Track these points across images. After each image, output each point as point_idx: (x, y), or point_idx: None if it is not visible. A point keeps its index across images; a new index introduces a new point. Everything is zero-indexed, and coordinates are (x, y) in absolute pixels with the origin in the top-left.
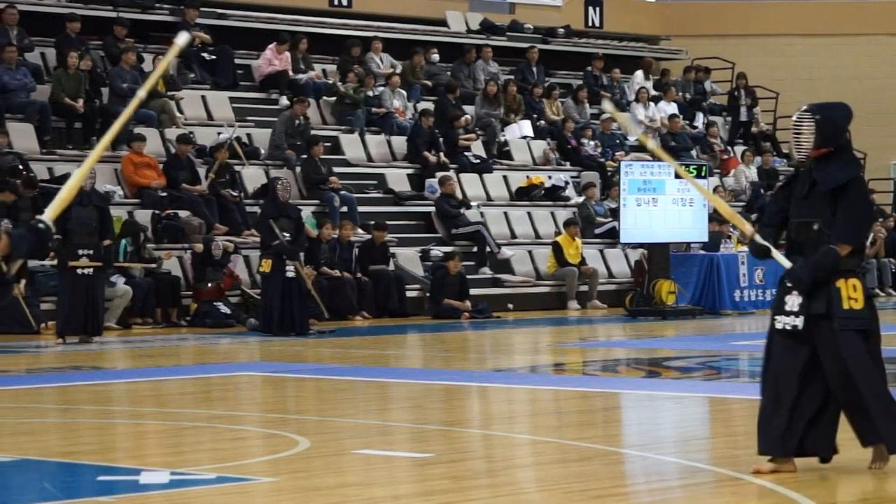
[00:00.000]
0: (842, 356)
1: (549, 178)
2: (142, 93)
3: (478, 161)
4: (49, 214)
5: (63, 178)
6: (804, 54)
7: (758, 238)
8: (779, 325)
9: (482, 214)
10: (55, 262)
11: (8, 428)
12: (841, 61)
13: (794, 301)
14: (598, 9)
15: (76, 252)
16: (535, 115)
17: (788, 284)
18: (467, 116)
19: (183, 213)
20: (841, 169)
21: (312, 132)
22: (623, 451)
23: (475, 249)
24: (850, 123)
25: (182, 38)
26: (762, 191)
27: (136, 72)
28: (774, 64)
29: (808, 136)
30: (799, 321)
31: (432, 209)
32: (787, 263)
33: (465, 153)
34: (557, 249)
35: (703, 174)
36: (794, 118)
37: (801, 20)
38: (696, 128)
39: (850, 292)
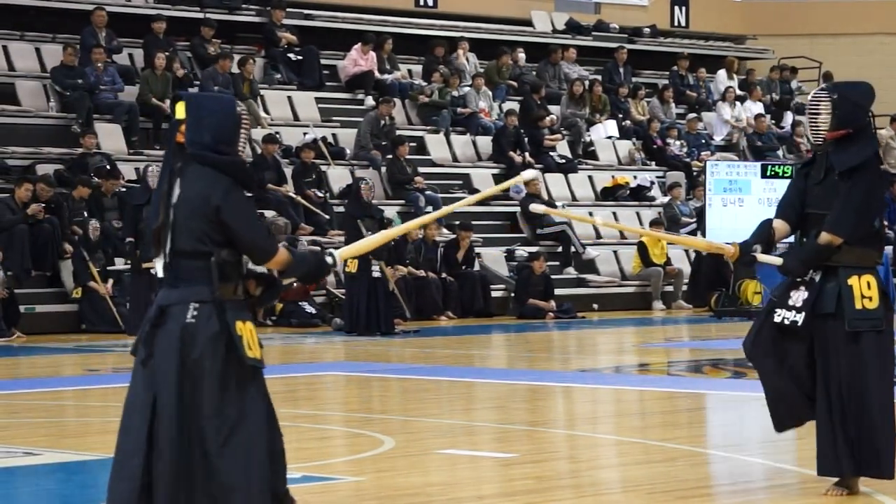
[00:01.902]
0: (852, 361)
1: (635, 178)
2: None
3: (563, 161)
4: (341, 252)
5: None
6: (894, 53)
7: (741, 254)
8: (777, 319)
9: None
10: (129, 263)
11: (96, 426)
12: None
13: (799, 296)
14: (684, 8)
15: (149, 253)
16: (620, 115)
17: (797, 279)
18: (552, 117)
19: (269, 213)
20: (858, 151)
21: (398, 132)
22: (708, 452)
23: (560, 249)
24: (871, 103)
25: (528, 174)
26: None
27: (228, 75)
28: (862, 63)
29: (825, 118)
30: (800, 317)
31: (517, 209)
32: (776, 261)
33: (551, 153)
34: (643, 249)
35: (789, 174)
36: (809, 98)
37: (891, 18)
38: (783, 128)
39: (864, 290)
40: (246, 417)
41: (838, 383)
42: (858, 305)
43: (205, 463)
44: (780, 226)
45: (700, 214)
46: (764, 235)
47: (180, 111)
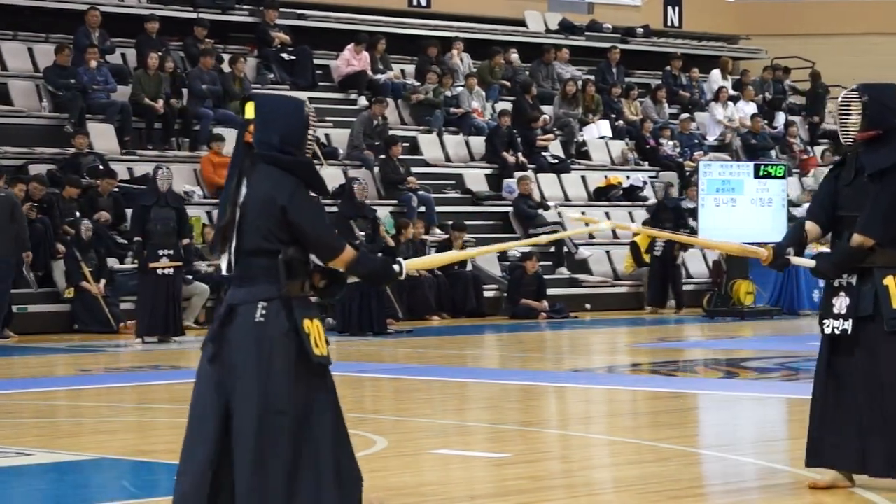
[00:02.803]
0: (883, 364)
1: (628, 177)
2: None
3: (556, 161)
4: (410, 263)
5: (143, 179)
6: (888, 53)
7: (775, 257)
8: (827, 330)
9: (560, 214)
10: (136, 263)
11: (88, 427)
12: None
13: (841, 302)
14: (677, 8)
15: (157, 253)
16: (613, 115)
17: (835, 284)
18: (545, 117)
19: None
20: (889, 153)
21: (391, 132)
22: (700, 452)
23: (553, 249)
24: None
25: (601, 225)
26: None
27: (215, 72)
28: (855, 63)
29: (855, 119)
30: (848, 324)
31: (510, 209)
32: (809, 263)
33: (543, 153)
34: (635, 249)
35: (782, 174)
36: (839, 99)
37: (884, 19)
38: (775, 128)
39: None
40: (314, 413)
41: (880, 384)
42: (895, 304)
43: (276, 459)
44: (811, 228)
45: (693, 214)
46: (796, 238)
47: (249, 111)
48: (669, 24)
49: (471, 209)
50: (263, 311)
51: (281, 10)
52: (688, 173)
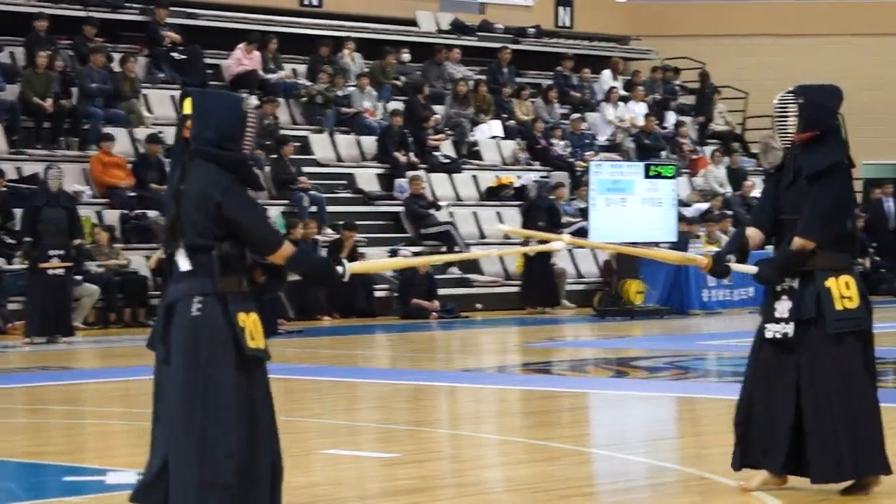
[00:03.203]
0: (838, 363)
1: (519, 177)
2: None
3: (447, 161)
4: (353, 266)
5: (31, 178)
6: (776, 54)
7: (714, 264)
8: (768, 335)
9: (451, 214)
10: (25, 263)
11: None
12: (814, 61)
13: (783, 307)
14: (568, 9)
15: (47, 253)
16: (504, 115)
17: (777, 288)
18: (437, 117)
19: (152, 213)
20: (826, 154)
21: (282, 132)
22: (591, 451)
23: (444, 249)
24: (839, 105)
25: (557, 245)
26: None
27: (105, 71)
28: (743, 63)
29: (792, 121)
30: (790, 328)
31: (401, 209)
32: (751, 269)
33: (435, 153)
34: None
35: (672, 174)
36: (775, 102)
37: (773, 20)
38: (665, 128)
39: (843, 290)
40: (255, 405)
41: (826, 389)
42: (839, 307)
43: (217, 450)
44: (753, 234)
45: (584, 214)
46: (737, 244)
47: (187, 107)
48: (561, 24)
49: (362, 209)
50: (199, 306)
51: (171, 8)
52: (579, 173)
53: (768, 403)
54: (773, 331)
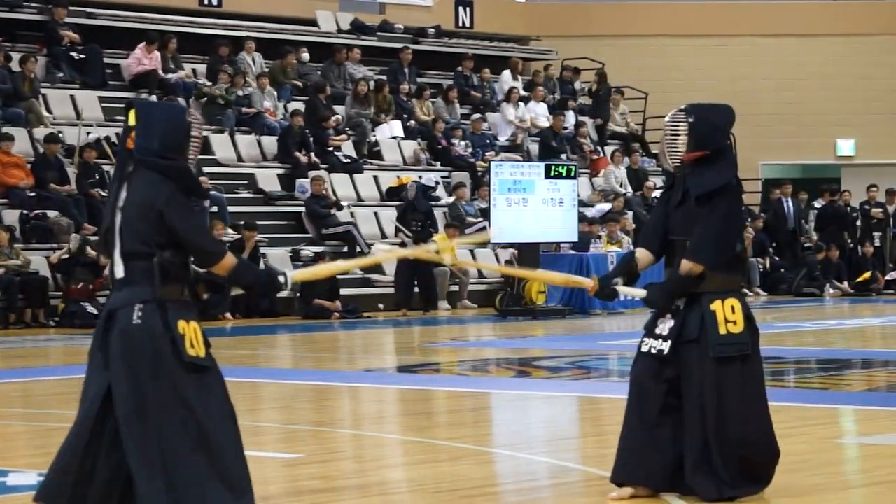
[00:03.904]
0: (719, 387)
1: (420, 178)
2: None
3: (348, 161)
4: (295, 274)
5: None
6: (676, 55)
7: (600, 287)
8: (644, 348)
9: (353, 214)
10: None
11: None
12: (714, 62)
13: (665, 325)
14: (468, 9)
15: None
16: (405, 116)
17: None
18: (337, 117)
19: (52, 214)
20: (716, 175)
21: None
22: (493, 451)
23: (346, 249)
24: (731, 125)
25: (487, 234)
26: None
27: (4, 71)
28: (643, 64)
29: (682, 139)
30: (666, 346)
31: (303, 209)
32: (639, 293)
33: (336, 153)
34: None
35: (573, 174)
36: (666, 119)
37: (673, 22)
38: (566, 128)
39: (728, 314)
40: (192, 412)
41: (702, 410)
42: (723, 330)
43: (156, 457)
44: (642, 255)
45: (485, 214)
46: (625, 267)
47: (132, 118)
48: (461, 24)
49: (263, 209)
50: (140, 313)
51: (70, 8)
52: (479, 173)
53: (651, 421)
54: (649, 345)
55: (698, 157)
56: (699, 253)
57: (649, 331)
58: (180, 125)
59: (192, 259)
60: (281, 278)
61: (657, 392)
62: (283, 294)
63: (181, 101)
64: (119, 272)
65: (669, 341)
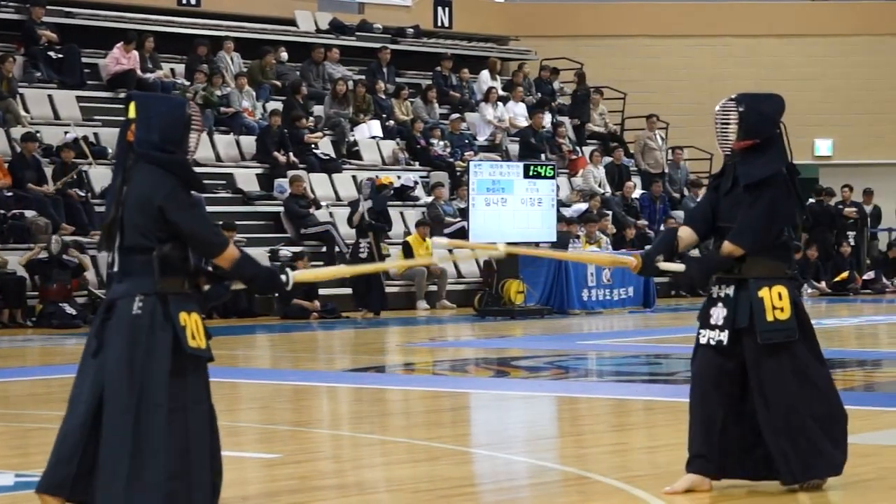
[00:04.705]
0: (772, 373)
1: (399, 178)
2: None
3: (327, 160)
4: (297, 275)
5: None
6: (655, 55)
7: (643, 266)
8: (703, 340)
9: (331, 214)
10: None
11: None
12: (692, 63)
13: (718, 314)
14: (447, 9)
15: None
16: (384, 115)
17: (713, 296)
18: (312, 117)
19: (29, 213)
20: (766, 164)
21: None
22: (472, 451)
23: (324, 249)
24: (781, 115)
25: (500, 249)
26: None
27: None
28: (623, 65)
29: (732, 128)
30: (724, 335)
31: (281, 209)
32: (679, 268)
33: (315, 152)
34: (407, 249)
35: (552, 174)
36: (717, 109)
37: (652, 22)
38: (544, 128)
39: (776, 301)
40: (190, 405)
41: (764, 397)
42: (770, 317)
43: (149, 449)
44: (685, 234)
45: (464, 214)
46: (667, 244)
47: (131, 111)
48: (440, 24)
49: (242, 209)
50: (140, 305)
51: (48, 7)
52: (458, 173)
53: (704, 406)
54: (707, 336)
55: (748, 146)
56: (740, 237)
57: (704, 321)
58: (180, 118)
59: (196, 251)
60: (283, 277)
61: (721, 383)
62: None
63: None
64: (119, 265)
65: (727, 331)
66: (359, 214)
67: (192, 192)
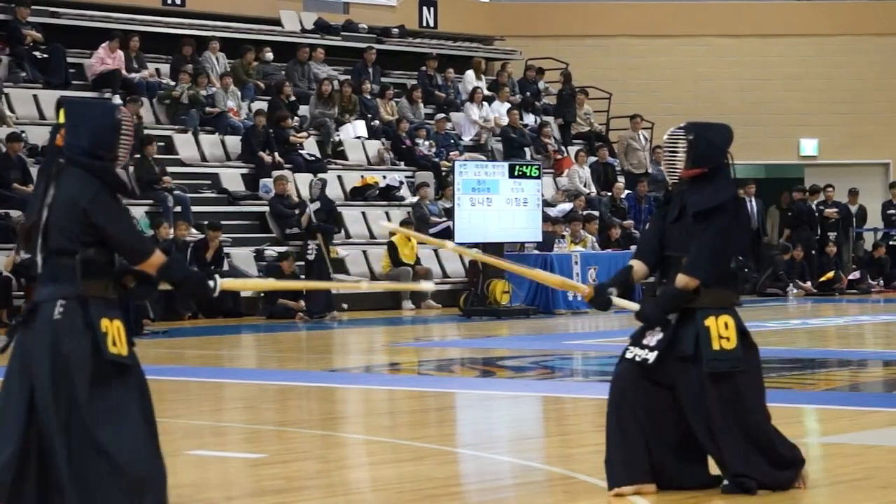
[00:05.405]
0: (706, 403)
1: (384, 177)
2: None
3: (312, 160)
4: (225, 282)
5: None
6: (640, 55)
7: (595, 294)
8: (629, 355)
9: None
10: None
11: None
12: (677, 63)
13: (654, 337)
14: (432, 9)
15: None
16: (369, 115)
17: None
18: (296, 118)
19: (14, 213)
20: (715, 192)
21: (146, 131)
22: (457, 451)
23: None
24: (729, 144)
25: (427, 286)
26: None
27: None
28: (607, 64)
29: (681, 156)
30: (651, 356)
31: (266, 209)
32: (633, 306)
33: (300, 152)
34: (392, 249)
35: (537, 174)
36: (665, 137)
37: (637, 22)
38: (527, 125)
39: (722, 330)
40: (117, 409)
41: (707, 425)
42: (716, 346)
43: (83, 452)
44: (638, 267)
45: (449, 214)
46: (621, 278)
47: (61, 116)
48: (425, 24)
49: (227, 209)
50: (61, 309)
51: (33, 7)
52: (444, 173)
53: (619, 423)
54: (634, 353)
55: (696, 175)
56: (695, 268)
57: (636, 340)
58: (108, 123)
59: (121, 256)
60: (211, 283)
61: (635, 398)
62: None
63: (143, 100)
64: (44, 268)
65: (656, 352)
66: (306, 216)
67: (119, 197)
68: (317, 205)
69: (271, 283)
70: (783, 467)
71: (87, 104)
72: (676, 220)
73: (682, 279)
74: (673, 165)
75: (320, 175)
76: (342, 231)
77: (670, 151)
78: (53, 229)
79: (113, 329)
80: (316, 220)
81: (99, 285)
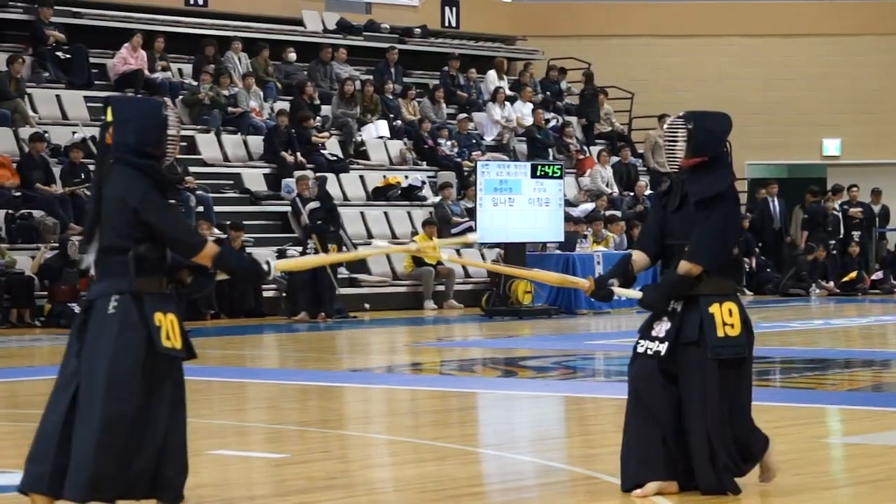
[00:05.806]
0: (717, 387)
1: (406, 177)
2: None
3: (334, 160)
4: (279, 263)
5: None
6: (662, 55)
7: (596, 287)
8: (640, 349)
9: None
10: None
11: None
12: (699, 62)
13: (661, 327)
14: (454, 9)
15: None
16: (391, 115)
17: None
18: (318, 118)
19: (37, 213)
20: (715, 181)
21: None
22: (479, 451)
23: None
24: (728, 133)
25: (473, 236)
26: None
27: None
28: (629, 64)
29: (681, 145)
30: (662, 347)
31: (288, 209)
32: (635, 294)
33: (322, 152)
34: None
35: (559, 174)
36: (665, 126)
37: (659, 22)
38: (548, 121)
39: (726, 317)
40: (158, 403)
41: (704, 411)
42: (720, 333)
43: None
44: (638, 258)
45: (471, 214)
46: (621, 268)
47: (109, 115)
48: (447, 24)
49: (249, 209)
50: (115, 304)
51: (56, 7)
52: (466, 173)
53: (640, 419)
54: (645, 346)
55: (696, 164)
56: (698, 254)
57: (645, 333)
58: (155, 120)
59: (174, 252)
60: (265, 266)
61: (655, 392)
62: (270, 292)
63: (167, 100)
64: (98, 265)
65: (667, 343)
66: (303, 216)
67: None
68: (316, 204)
69: (322, 258)
70: (746, 459)
71: (133, 101)
72: (677, 209)
73: (684, 265)
74: (673, 154)
75: (319, 174)
76: (341, 231)
77: (670, 141)
78: (105, 227)
79: (167, 322)
80: (312, 220)
81: (153, 281)
